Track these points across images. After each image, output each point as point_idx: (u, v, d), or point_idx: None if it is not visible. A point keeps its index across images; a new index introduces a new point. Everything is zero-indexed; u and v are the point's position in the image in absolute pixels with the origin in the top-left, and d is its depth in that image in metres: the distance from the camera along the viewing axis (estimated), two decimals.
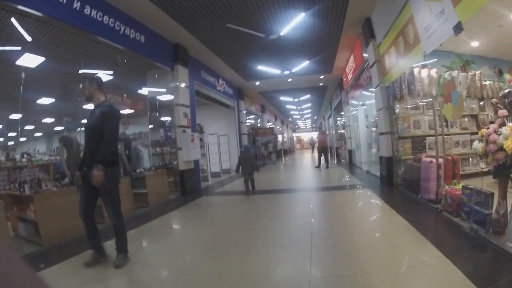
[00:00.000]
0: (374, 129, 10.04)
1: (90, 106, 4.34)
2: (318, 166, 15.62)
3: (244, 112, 18.77)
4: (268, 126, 24.41)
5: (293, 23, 8.84)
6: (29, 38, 6.90)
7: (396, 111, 7.51)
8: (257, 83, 16.81)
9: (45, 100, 12.27)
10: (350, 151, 16.12)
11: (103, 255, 4.18)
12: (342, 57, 12.92)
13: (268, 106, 26.02)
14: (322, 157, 16.06)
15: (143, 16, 8.28)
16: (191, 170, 10.67)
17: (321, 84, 18.31)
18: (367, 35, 8.92)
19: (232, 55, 11.97)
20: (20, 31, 6.56)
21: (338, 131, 20.14)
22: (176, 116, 10.38)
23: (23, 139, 17.80)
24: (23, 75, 7.92)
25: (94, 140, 3.96)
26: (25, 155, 9.84)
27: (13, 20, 6.17)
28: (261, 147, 21.81)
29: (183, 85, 10.52)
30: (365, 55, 9.78)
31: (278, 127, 34.77)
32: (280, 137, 33.17)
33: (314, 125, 46.67)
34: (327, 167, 15.61)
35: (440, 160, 5.51)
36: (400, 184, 7.72)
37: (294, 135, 51.45)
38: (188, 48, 10.74)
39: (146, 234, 5.98)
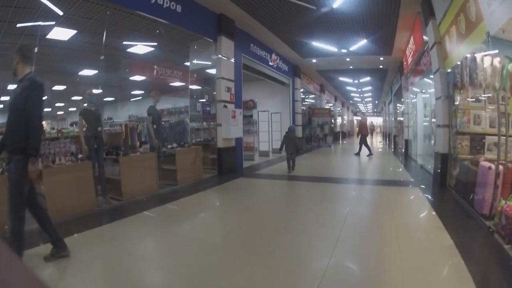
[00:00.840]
0: (433, 120, 8.81)
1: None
2: (358, 154, 14.97)
3: (300, 90, 17.90)
4: (325, 107, 23.13)
5: None
6: (60, 12, 6.92)
7: (456, 102, 6.32)
8: (314, 60, 15.75)
9: (87, 72, 12.51)
10: (406, 141, 14.61)
11: (62, 248, 3.61)
12: (402, 38, 11.53)
13: (327, 86, 24.65)
14: (365, 145, 15.13)
15: None
16: (231, 149, 10.28)
17: (381, 66, 16.77)
18: (427, 13, 7.68)
19: (283, 28, 11.12)
20: (50, 6, 6.58)
21: (397, 118, 18.53)
22: (218, 90, 9.95)
23: (72, 109, 18.55)
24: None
25: (13, 120, 3.33)
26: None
27: None
28: (316, 128, 20.81)
29: (226, 57, 10.02)
30: (425, 37, 8.50)
31: (338, 108, 33.19)
32: (339, 119, 32.08)
33: (375, 110, 44.21)
34: (369, 154, 14.67)
35: (500, 167, 4.43)
36: (453, 187, 6.60)
37: (355, 118, 49.19)
38: (234, 19, 10.15)
39: (159, 217, 5.68)
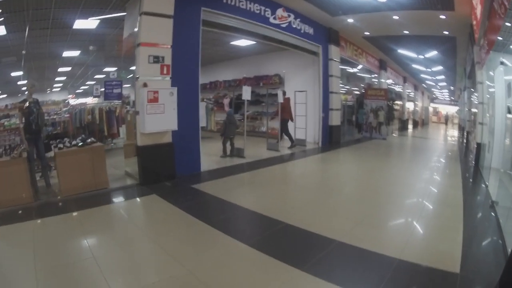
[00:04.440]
0: None
1: None
2: (276, 142, 11.43)
3: (337, 61, 13.07)
4: (381, 87, 17.61)
5: None
6: None
7: None
8: (350, 20, 11.01)
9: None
10: (479, 146, 8.84)
11: None
12: None
13: (389, 63, 18.96)
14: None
15: None
16: (163, 146, 6.78)
17: (446, 32, 11.23)
18: None
19: None
20: None
21: (471, 109, 12.58)
22: (136, 61, 6.52)
23: None
24: None
25: None
26: None
27: None
28: (369, 115, 15.77)
29: (155, 14, 6.48)
30: None
31: (410, 91, 27.14)
32: (409, 105, 27.20)
33: (452, 98, 35.72)
34: (290, 146, 11.60)
35: None
36: None
37: (432, 105, 41.30)
38: None
39: None
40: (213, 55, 14.89)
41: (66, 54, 11.53)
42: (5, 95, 15.58)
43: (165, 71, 6.66)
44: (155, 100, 6.36)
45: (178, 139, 7.02)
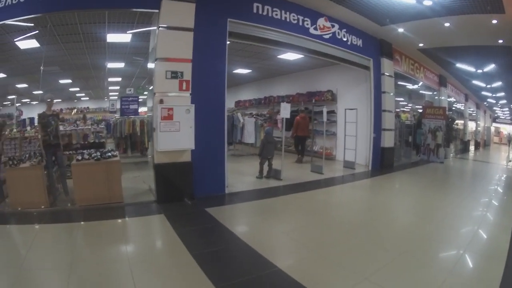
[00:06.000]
0: None
1: None
2: (299, 160, 12.10)
3: (391, 76, 11.91)
4: (440, 106, 15.76)
5: None
6: None
7: None
8: (400, 29, 10.06)
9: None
10: None
11: None
12: None
13: (449, 79, 17.27)
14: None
15: None
16: (177, 166, 6.49)
17: (500, 41, 9.95)
18: None
19: None
20: None
21: None
22: (155, 77, 6.33)
23: None
24: None
25: None
26: None
27: None
28: (427, 135, 14.35)
29: (175, 27, 6.34)
30: None
31: (472, 110, 24.83)
32: (471, 124, 24.93)
33: None
34: (297, 160, 12.04)
35: None
36: None
37: (494, 125, 37.32)
38: None
39: None
40: (265, 70, 14.56)
41: (111, 65, 11.80)
42: (59, 100, 16.72)
43: (184, 87, 6.36)
44: (169, 117, 6.11)
45: (200, 159, 6.65)
